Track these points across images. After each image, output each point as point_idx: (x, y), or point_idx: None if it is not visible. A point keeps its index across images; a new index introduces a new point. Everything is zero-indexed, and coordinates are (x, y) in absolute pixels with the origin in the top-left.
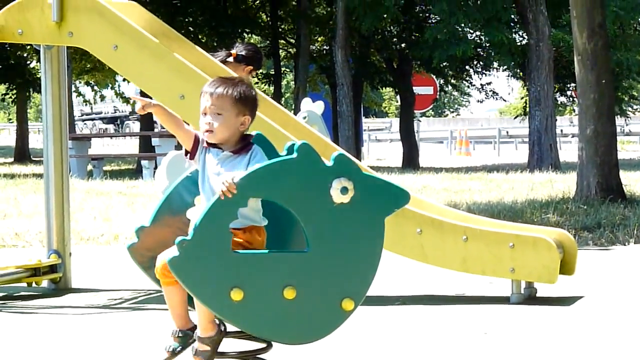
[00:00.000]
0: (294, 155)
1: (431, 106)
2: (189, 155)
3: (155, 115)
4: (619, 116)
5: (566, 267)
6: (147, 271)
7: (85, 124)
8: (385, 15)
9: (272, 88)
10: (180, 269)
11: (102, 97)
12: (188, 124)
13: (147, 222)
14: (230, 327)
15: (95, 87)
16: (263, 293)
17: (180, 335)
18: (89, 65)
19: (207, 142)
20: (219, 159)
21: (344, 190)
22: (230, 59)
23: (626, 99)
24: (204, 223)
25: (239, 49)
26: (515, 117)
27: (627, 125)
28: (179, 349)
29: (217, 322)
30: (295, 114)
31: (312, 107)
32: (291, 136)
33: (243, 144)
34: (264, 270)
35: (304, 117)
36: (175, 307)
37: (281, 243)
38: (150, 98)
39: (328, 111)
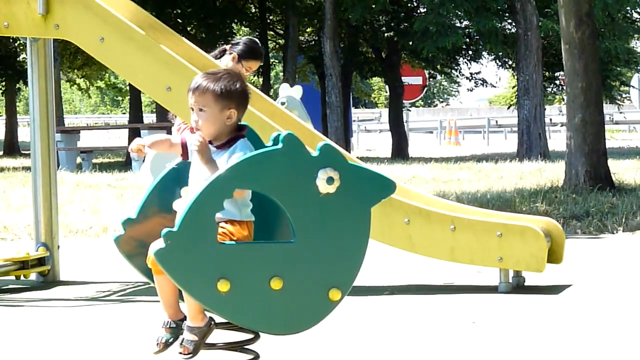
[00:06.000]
0: (279, 145)
1: (420, 96)
2: (182, 157)
3: (150, 149)
4: (608, 103)
5: (554, 256)
6: (133, 261)
7: None
8: (374, 6)
9: (261, 79)
10: (166, 260)
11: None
12: (175, 116)
13: (134, 214)
14: (218, 319)
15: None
16: (249, 284)
17: (172, 326)
18: (79, 62)
19: None
20: None
21: (330, 180)
22: (226, 56)
23: (617, 84)
24: (189, 214)
25: (234, 43)
26: (509, 107)
27: (621, 113)
28: (171, 340)
29: (207, 315)
30: None
31: (291, 92)
32: (278, 127)
33: (231, 137)
34: (250, 261)
35: (283, 103)
36: (167, 297)
37: (268, 234)
38: (138, 90)
39: (317, 101)
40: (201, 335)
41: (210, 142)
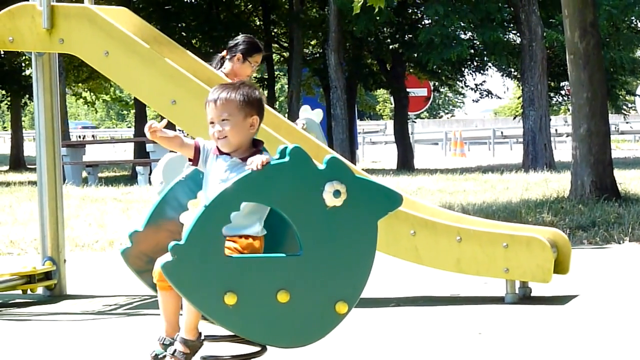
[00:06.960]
0: (286, 158)
1: (425, 108)
2: (191, 162)
3: (158, 142)
4: (614, 113)
5: (560, 266)
6: (141, 275)
7: None
8: (378, 18)
9: (265, 92)
10: (173, 274)
11: (104, 101)
12: (182, 132)
13: (140, 227)
14: (225, 331)
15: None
16: (257, 297)
17: (166, 342)
18: (84, 75)
19: (218, 149)
20: (228, 165)
21: (337, 193)
22: (227, 62)
23: (622, 93)
24: (196, 228)
25: (230, 47)
26: (514, 118)
27: (626, 123)
28: (161, 355)
29: (199, 331)
30: (288, 117)
31: (311, 114)
32: (284, 139)
33: (253, 150)
34: (257, 274)
35: (303, 125)
36: (168, 313)
37: (275, 247)
38: (143, 104)
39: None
40: (193, 349)
41: (229, 154)
